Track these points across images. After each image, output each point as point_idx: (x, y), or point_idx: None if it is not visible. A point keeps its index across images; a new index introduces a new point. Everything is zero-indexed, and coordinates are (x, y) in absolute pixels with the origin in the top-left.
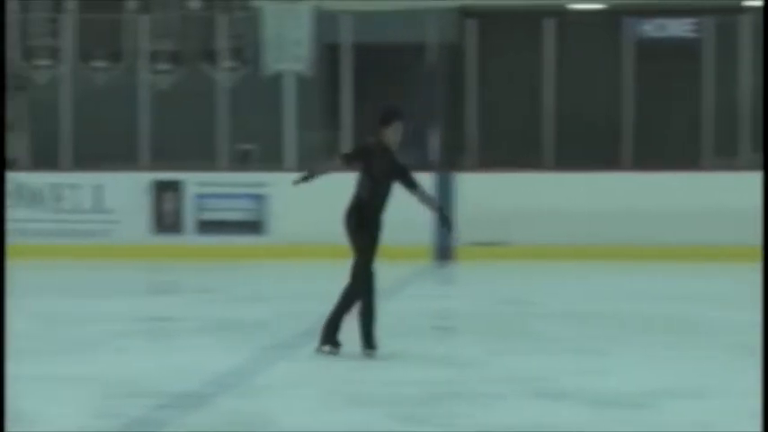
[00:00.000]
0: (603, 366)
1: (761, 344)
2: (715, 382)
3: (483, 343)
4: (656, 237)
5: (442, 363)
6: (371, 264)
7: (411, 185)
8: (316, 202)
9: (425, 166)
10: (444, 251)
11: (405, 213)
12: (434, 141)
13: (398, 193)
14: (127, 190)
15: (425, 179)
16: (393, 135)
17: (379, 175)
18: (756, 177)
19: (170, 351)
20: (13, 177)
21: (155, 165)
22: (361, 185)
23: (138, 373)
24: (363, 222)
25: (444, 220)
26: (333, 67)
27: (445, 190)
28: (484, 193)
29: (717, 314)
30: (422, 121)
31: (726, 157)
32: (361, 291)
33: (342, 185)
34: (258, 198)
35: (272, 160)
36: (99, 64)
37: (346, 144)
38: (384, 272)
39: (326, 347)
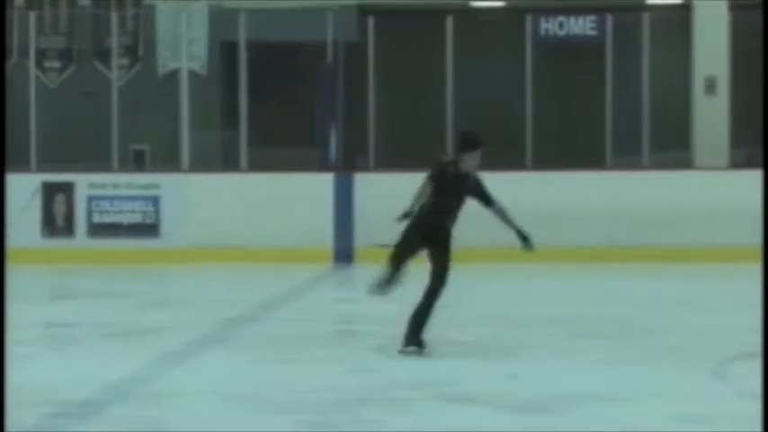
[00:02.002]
0: (519, 371)
1: (761, 344)
2: (638, 386)
3: (390, 347)
4: (561, 238)
5: (348, 368)
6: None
7: (488, 202)
8: (211, 205)
9: (325, 167)
10: (345, 254)
11: (304, 217)
12: (334, 142)
13: (294, 195)
14: (15, 192)
15: (325, 180)
16: (472, 162)
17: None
18: (659, 177)
19: (67, 358)
20: None
21: (44, 166)
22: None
23: (35, 381)
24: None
25: (522, 236)
26: (230, 66)
27: (345, 191)
28: (384, 194)
29: (644, 316)
30: (321, 121)
31: (628, 157)
32: (442, 289)
33: (234, 189)
34: (152, 200)
35: (166, 161)
36: None
37: (243, 144)
38: (284, 276)
39: (411, 348)
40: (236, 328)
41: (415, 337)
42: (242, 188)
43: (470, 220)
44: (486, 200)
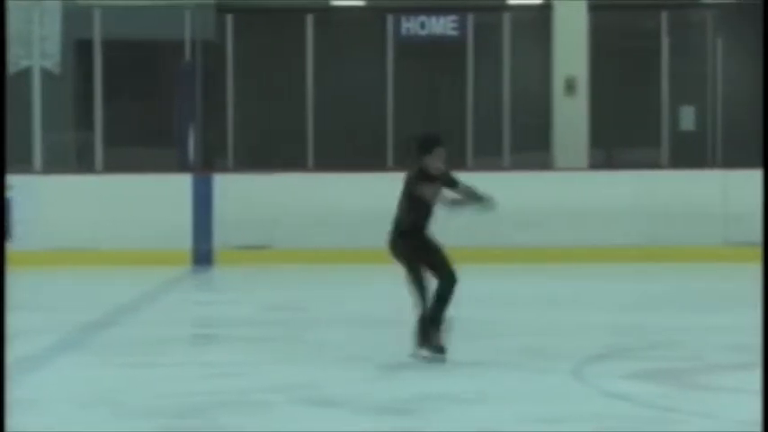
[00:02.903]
0: (376, 372)
1: (761, 344)
2: (496, 387)
3: (248, 350)
4: None
5: (206, 371)
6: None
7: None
8: (65, 207)
9: (183, 168)
10: (204, 256)
11: (162, 218)
12: (192, 142)
13: (152, 197)
14: None
15: (183, 181)
16: (434, 162)
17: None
18: (519, 178)
19: None
20: None
21: None
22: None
23: None
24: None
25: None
26: (84, 64)
27: (203, 192)
28: (244, 196)
29: (503, 316)
30: (180, 121)
31: (489, 158)
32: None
33: (89, 190)
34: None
35: (18, 162)
36: None
37: (98, 144)
38: (142, 279)
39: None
40: (92, 332)
41: (422, 339)
42: (97, 189)
43: (335, 224)
44: (455, 184)
